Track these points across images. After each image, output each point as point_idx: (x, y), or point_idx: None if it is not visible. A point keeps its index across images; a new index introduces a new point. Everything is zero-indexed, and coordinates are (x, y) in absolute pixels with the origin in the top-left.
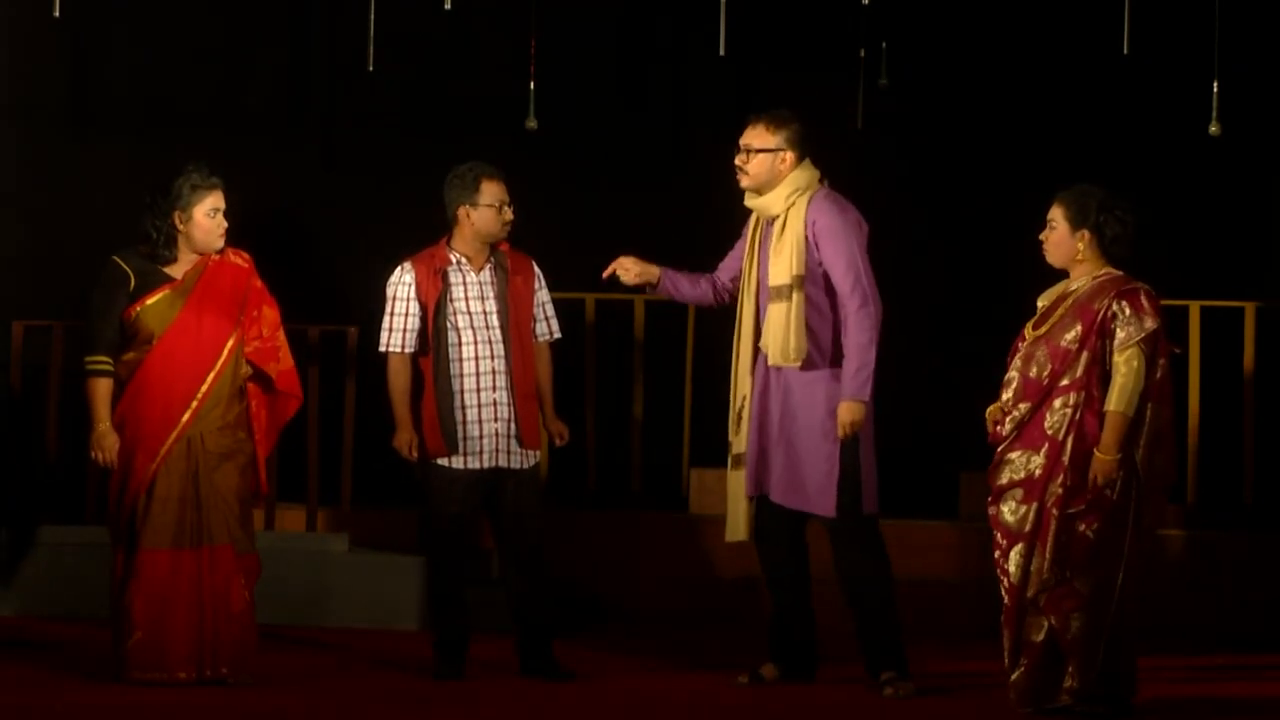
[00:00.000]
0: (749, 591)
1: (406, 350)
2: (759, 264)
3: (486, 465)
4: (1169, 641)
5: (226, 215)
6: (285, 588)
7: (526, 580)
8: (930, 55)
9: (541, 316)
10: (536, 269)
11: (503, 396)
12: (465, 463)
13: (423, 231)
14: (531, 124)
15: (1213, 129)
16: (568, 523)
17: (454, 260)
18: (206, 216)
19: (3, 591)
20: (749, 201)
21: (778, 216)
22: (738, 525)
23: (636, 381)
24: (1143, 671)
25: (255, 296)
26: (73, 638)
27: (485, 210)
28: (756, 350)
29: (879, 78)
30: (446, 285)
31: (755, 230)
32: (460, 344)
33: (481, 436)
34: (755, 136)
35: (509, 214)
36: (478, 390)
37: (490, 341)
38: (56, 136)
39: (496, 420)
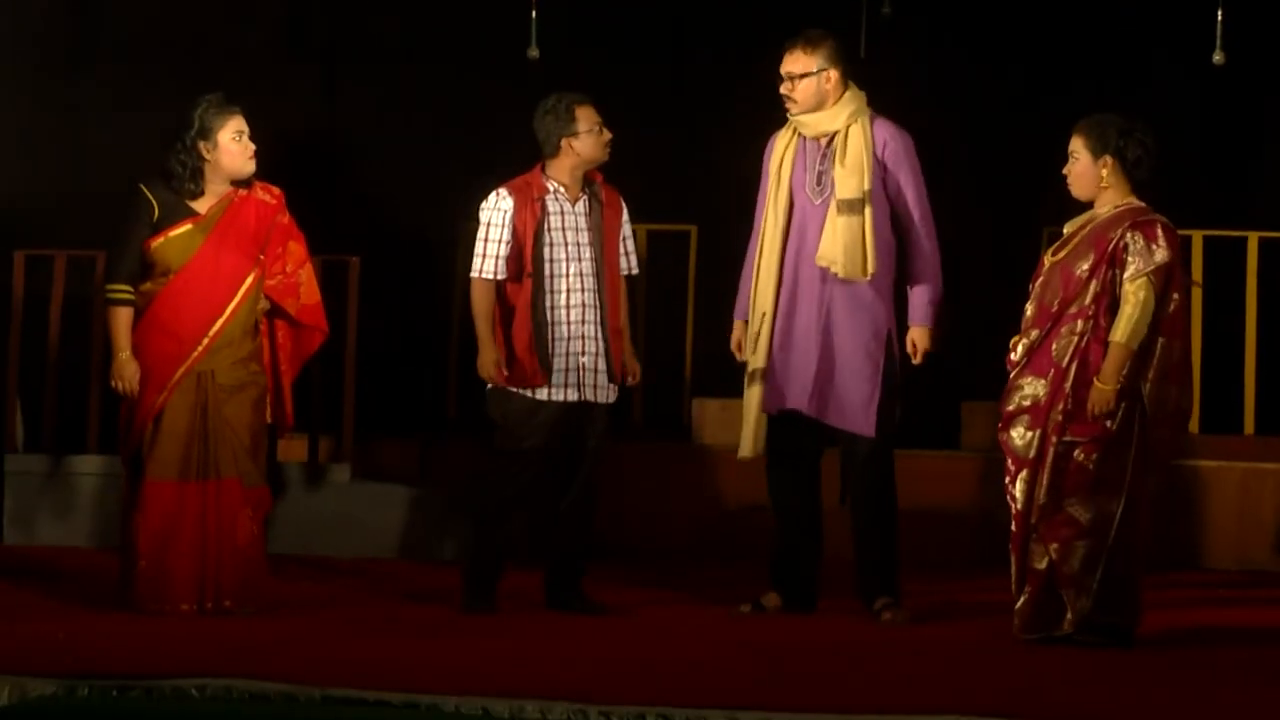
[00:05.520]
0: (753, 522)
1: (499, 277)
2: (792, 179)
3: (571, 399)
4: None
5: (253, 139)
6: (286, 518)
7: (580, 514)
8: None
9: (624, 251)
10: (623, 202)
11: (591, 330)
12: (550, 394)
13: (425, 162)
14: (533, 53)
15: (1216, 58)
16: None
17: (551, 189)
18: (233, 140)
19: (9, 520)
20: (800, 120)
21: (837, 132)
22: (748, 441)
23: (638, 309)
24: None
25: (280, 233)
26: (78, 566)
27: (586, 137)
28: (782, 266)
29: (881, 5)
30: (545, 213)
31: (786, 147)
32: (554, 275)
33: (568, 370)
34: (794, 62)
35: (607, 134)
36: (568, 323)
37: (582, 274)
38: (57, 69)
39: (585, 354)
